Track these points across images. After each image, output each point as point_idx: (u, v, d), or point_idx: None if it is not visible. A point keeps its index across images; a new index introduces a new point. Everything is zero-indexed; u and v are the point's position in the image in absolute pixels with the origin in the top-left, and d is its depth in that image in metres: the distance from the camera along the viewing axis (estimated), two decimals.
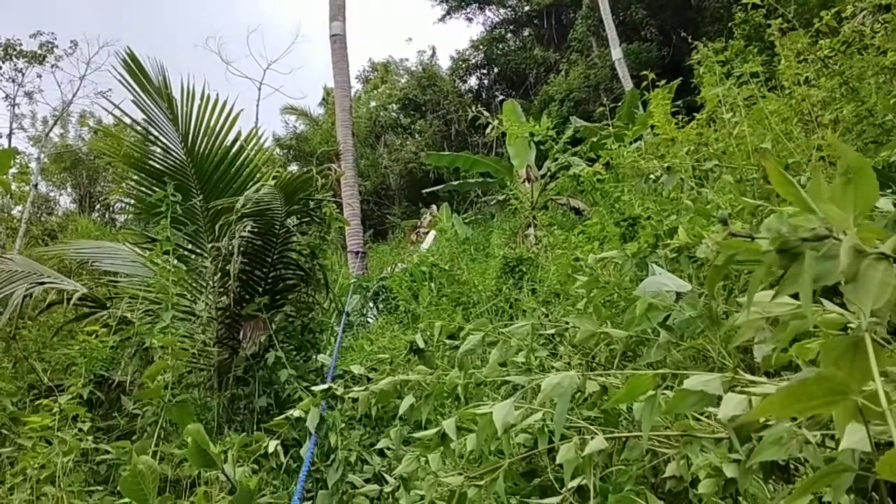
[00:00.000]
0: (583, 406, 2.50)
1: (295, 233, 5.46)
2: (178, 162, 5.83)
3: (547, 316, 5.09)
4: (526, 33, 31.60)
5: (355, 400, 2.67)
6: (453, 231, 13.55)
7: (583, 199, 11.90)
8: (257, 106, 30.51)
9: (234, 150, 5.83)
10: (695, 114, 6.63)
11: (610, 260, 4.28)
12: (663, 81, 7.26)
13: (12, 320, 4.79)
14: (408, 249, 17.63)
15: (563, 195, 12.70)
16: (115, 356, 4.56)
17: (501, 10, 32.11)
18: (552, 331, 2.44)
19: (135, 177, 6.03)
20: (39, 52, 22.24)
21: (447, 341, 2.73)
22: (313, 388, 2.89)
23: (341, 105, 15.23)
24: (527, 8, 31.20)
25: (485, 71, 31.92)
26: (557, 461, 1.67)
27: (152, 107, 5.58)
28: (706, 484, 1.62)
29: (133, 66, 5.35)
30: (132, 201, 6.44)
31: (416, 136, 30.25)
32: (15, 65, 22.09)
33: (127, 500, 2.46)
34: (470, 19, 33.11)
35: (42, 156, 25.80)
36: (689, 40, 7.51)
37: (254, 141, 6.02)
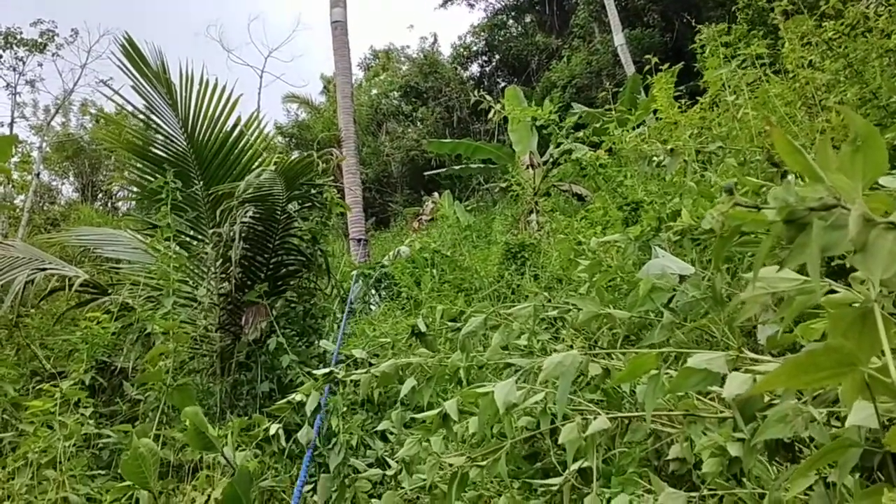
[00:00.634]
0: (585, 389, 2.49)
1: (296, 218, 5.44)
2: (178, 147, 5.81)
3: (549, 301, 5.06)
4: (528, 19, 31.44)
5: (357, 383, 2.66)
6: (455, 218, 13.54)
7: (585, 185, 11.87)
8: (259, 94, 30.48)
9: (234, 135, 5.81)
10: (698, 97, 6.60)
11: (613, 244, 4.27)
12: (666, 65, 7.23)
13: (14, 307, 4.79)
14: (410, 237, 17.62)
15: (565, 181, 12.65)
16: (117, 342, 4.55)
17: None
18: (555, 313, 2.41)
19: (136, 163, 6.01)
20: (40, 40, 22.20)
21: (449, 324, 2.70)
22: (315, 372, 2.88)
23: (343, 92, 15.18)
24: None
25: (486, 58, 31.77)
26: (560, 441, 1.66)
27: (151, 92, 5.56)
28: (710, 463, 1.60)
29: (131, 52, 5.32)
30: (134, 189, 6.42)
31: (418, 123, 30.16)
32: (15, 53, 22.07)
33: (128, 482, 2.46)
34: (472, 5, 32.96)
35: (44, 145, 25.78)
36: (693, 24, 7.45)
37: (254, 126, 6.00)
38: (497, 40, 30.40)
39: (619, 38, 18.89)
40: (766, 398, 1.53)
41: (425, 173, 22.05)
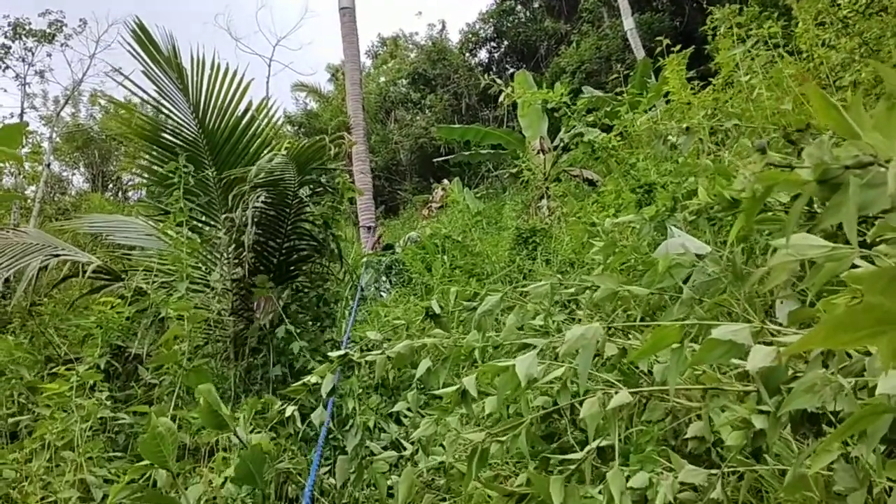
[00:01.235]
0: (602, 370, 2.48)
1: (308, 203, 5.43)
2: (189, 133, 5.80)
3: (562, 284, 5.04)
4: (536, 5, 31.22)
5: (372, 365, 2.65)
6: (465, 204, 13.51)
7: (596, 170, 11.81)
8: (267, 82, 30.38)
9: (245, 120, 5.79)
10: (710, 80, 6.55)
11: (627, 225, 4.25)
12: (678, 47, 7.18)
13: (28, 293, 4.80)
14: (420, 224, 17.60)
15: (576, 166, 12.59)
16: (131, 327, 4.57)
17: None
18: (571, 290, 2.39)
19: (147, 149, 6.01)
20: (49, 31, 22.18)
21: (464, 303, 2.69)
22: (330, 354, 2.88)
23: (351, 79, 15.14)
24: None
25: (495, 44, 31.60)
26: (581, 416, 1.65)
27: (162, 77, 5.54)
28: (735, 436, 1.59)
29: (142, 36, 5.30)
30: (145, 175, 6.43)
31: (427, 110, 30.07)
32: (24, 44, 22.05)
33: (146, 462, 2.46)
34: None
35: (54, 135, 25.83)
36: (704, 6, 7.40)
37: (265, 112, 5.98)
38: (506, 26, 30.23)
39: (628, 23, 18.75)
40: (791, 371, 1.52)
41: (434, 160, 22.01)
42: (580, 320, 3.40)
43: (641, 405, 2.42)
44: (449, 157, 19.52)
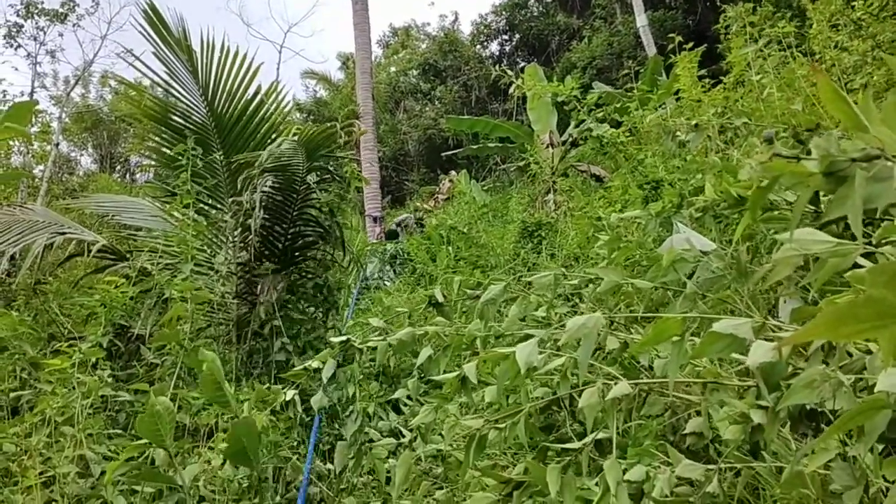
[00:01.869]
0: (603, 363, 2.48)
1: (315, 189, 5.44)
2: (197, 115, 5.80)
3: (565, 276, 5.03)
4: None
5: (373, 351, 2.66)
6: (471, 196, 13.50)
7: (604, 166, 11.78)
8: (278, 69, 30.34)
9: (254, 103, 5.79)
10: (721, 78, 6.53)
11: (632, 221, 4.24)
12: (690, 44, 7.14)
13: (33, 270, 4.82)
14: (413, 207, 17.65)
15: (583, 162, 12.56)
16: (134, 307, 4.58)
17: None
18: (574, 281, 2.39)
19: (155, 131, 6.02)
20: (61, 10, 22.14)
21: (467, 291, 2.69)
22: (331, 339, 2.88)
23: (362, 67, 15.13)
24: None
25: (506, 37, 31.50)
26: (580, 406, 1.65)
27: (172, 59, 5.54)
28: (732, 430, 1.59)
29: (153, 17, 5.31)
30: (153, 157, 6.43)
31: (436, 102, 30.01)
32: (36, 23, 22.02)
33: (143, 441, 2.47)
34: None
35: (63, 115, 25.84)
36: (717, 5, 7.36)
37: (274, 96, 5.97)
38: (518, 19, 30.12)
39: (641, 20, 18.66)
40: (791, 368, 1.52)
41: (442, 153, 21.98)
42: (583, 313, 3.41)
43: (641, 399, 2.42)
44: (457, 149, 19.50)
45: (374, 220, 14.32)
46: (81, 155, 32.59)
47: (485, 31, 31.20)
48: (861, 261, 1.26)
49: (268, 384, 3.73)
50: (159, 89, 6.11)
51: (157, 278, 4.41)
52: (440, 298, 2.99)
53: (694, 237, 2.22)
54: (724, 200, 2.91)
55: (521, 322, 2.65)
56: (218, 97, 5.67)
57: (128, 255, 5.41)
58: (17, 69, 36.67)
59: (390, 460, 2.69)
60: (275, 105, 6.08)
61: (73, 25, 22.57)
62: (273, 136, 5.86)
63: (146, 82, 6.28)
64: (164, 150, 6.00)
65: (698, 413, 1.94)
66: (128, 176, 29.12)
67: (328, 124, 5.23)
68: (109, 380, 3.41)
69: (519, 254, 7.58)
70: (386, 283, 9.92)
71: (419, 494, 2.61)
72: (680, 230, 2.35)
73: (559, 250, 7.23)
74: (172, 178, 5.49)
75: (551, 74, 17.66)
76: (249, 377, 4.52)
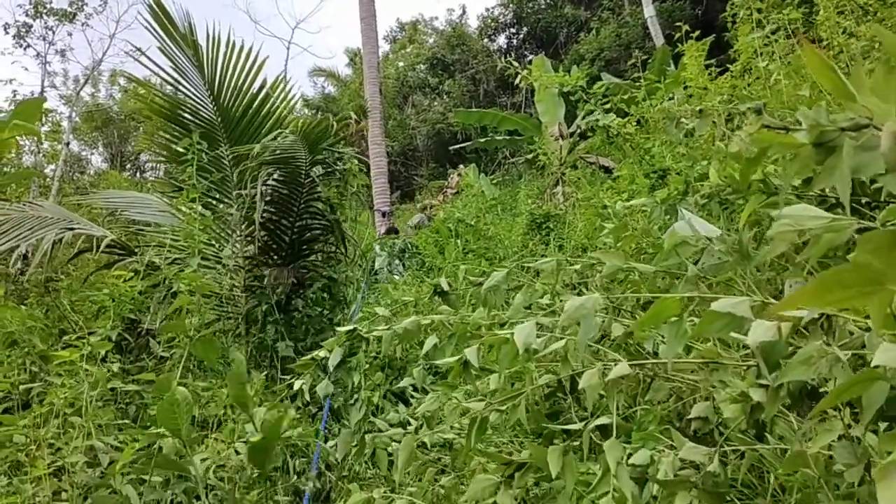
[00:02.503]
0: (609, 349, 2.48)
1: (319, 183, 5.45)
2: (204, 110, 5.82)
3: (568, 261, 5.03)
4: None
5: (379, 340, 2.67)
6: (480, 190, 13.49)
7: (613, 157, 11.75)
8: (286, 65, 30.39)
9: (260, 97, 5.81)
10: (728, 67, 6.49)
11: (638, 209, 4.24)
12: (696, 33, 7.10)
13: (43, 265, 4.85)
14: (425, 203, 17.66)
15: (592, 153, 12.53)
16: (143, 301, 4.61)
17: None
18: (577, 266, 2.39)
19: (163, 126, 6.04)
20: (70, 9, 22.21)
21: (472, 278, 2.70)
22: (338, 328, 2.90)
23: (369, 62, 15.12)
24: None
25: (514, 30, 31.41)
26: (580, 387, 1.65)
27: (178, 54, 5.56)
28: (732, 409, 1.59)
29: (159, 12, 5.32)
30: (162, 153, 6.46)
31: (444, 96, 30.00)
32: (45, 23, 22.09)
33: (158, 430, 2.49)
34: None
35: (74, 114, 25.94)
36: None
37: (280, 89, 5.98)
38: (525, 12, 30.04)
39: (648, 11, 18.57)
40: (791, 348, 1.51)
41: (451, 147, 21.98)
42: None
43: (646, 385, 2.42)
44: (466, 143, 19.48)
45: (383, 214, 14.32)
46: (92, 154, 32.76)
47: (492, 24, 31.12)
48: (864, 222, 1.26)
49: (275, 376, 3.76)
50: (168, 87, 6.13)
51: (165, 272, 4.44)
52: (445, 287, 3.00)
53: (698, 223, 2.22)
54: (729, 186, 2.91)
55: (526, 310, 2.65)
56: (224, 91, 5.69)
57: (136, 251, 5.45)
58: (27, 69, 36.80)
59: (394, 444, 2.70)
60: (281, 99, 6.10)
61: (82, 24, 22.64)
62: (279, 129, 5.88)
63: (155, 80, 6.29)
64: (172, 145, 6.02)
65: (705, 399, 1.94)
66: (138, 174, 29.23)
67: (323, 116, 5.25)
68: (119, 373, 3.43)
69: (527, 245, 7.58)
70: (395, 276, 9.94)
71: (426, 481, 2.62)
72: (684, 217, 2.35)
73: (567, 241, 7.23)
74: (179, 173, 5.52)
75: (560, 67, 17.62)
76: (259, 368, 4.55)
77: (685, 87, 6.85)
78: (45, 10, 21.92)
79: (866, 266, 0.79)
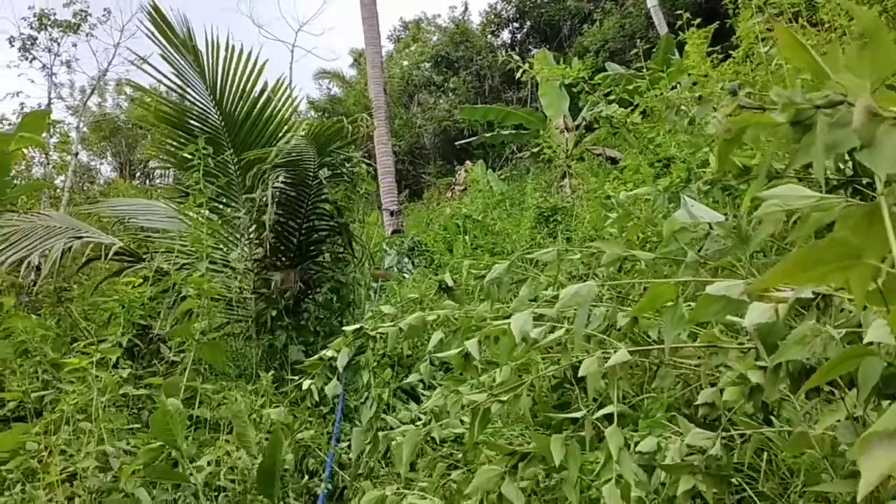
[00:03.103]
0: (613, 338, 2.48)
1: (326, 185, 5.48)
2: (207, 114, 5.85)
3: (581, 259, 5.02)
4: None
5: (385, 337, 2.68)
6: (488, 185, 13.49)
7: (620, 148, 11.74)
8: (290, 68, 30.43)
9: (262, 100, 5.83)
10: (731, 53, 6.48)
11: (642, 198, 4.23)
12: (698, 20, 7.09)
13: (53, 274, 4.89)
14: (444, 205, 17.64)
15: (599, 145, 12.52)
16: (154, 307, 4.64)
17: None
18: (577, 256, 2.40)
19: (169, 134, 6.08)
20: (73, 20, 22.31)
21: (473, 272, 2.71)
22: (345, 328, 2.92)
23: (372, 62, 15.13)
24: None
25: (517, 24, 31.36)
26: (580, 374, 1.66)
27: (180, 60, 5.59)
28: (731, 391, 1.59)
29: (158, 19, 5.35)
30: (169, 160, 6.49)
31: (450, 93, 30.00)
32: (50, 34, 22.21)
33: (157, 444, 2.51)
34: None
35: (81, 125, 26.09)
36: None
37: (282, 91, 6.00)
38: (528, 6, 29.98)
39: (651, 0, 18.52)
40: (789, 329, 1.52)
41: (457, 143, 21.99)
42: None
43: (652, 373, 2.42)
44: (471, 139, 19.49)
45: (391, 213, 14.33)
46: (101, 164, 32.94)
47: (495, 19, 31.09)
48: (852, 201, 1.26)
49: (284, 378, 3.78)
50: (174, 94, 6.16)
51: (174, 278, 4.47)
52: (450, 283, 3.02)
53: (700, 209, 2.22)
54: (730, 171, 2.90)
55: (531, 302, 2.66)
56: (226, 96, 5.71)
57: (145, 257, 5.49)
58: (33, 81, 37.04)
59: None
60: (284, 101, 6.11)
61: (87, 35, 22.75)
62: (283, 131, 5.90)
63: (161, 88, 6.32)
64: (179, 152, 6.05)
65: (711, 385, 1.94)
66: (147, 181, 29.36)
67: (337, 118, 5.27)
68: (130, 378, 3.46)
69: (535, 238, 7.58)
70: (405, 275, 9.96)
71: (436, 475, 2.63)
72: (687, 204, 2.35)
73: (575, 234, 7.23)
74: (187, 179, 5.55)
75: (564, 59, 17.59)
76: (269, 370, 4.58)
77: (688, 75, 6.84)
78: (49, 23, 22.05)
79: (843, 241, 0.80)
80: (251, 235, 5.34)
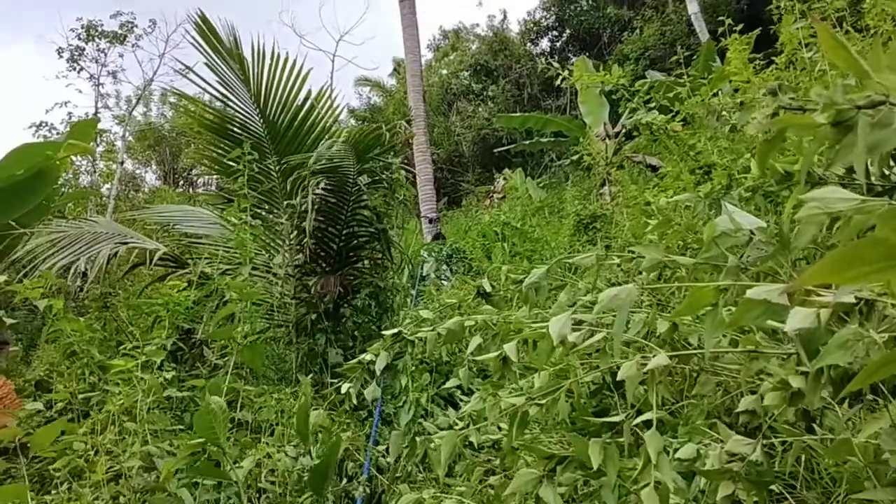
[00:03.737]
0: (653, 342, 2.47)
1: (366, 191, 5.53)
2: (250, 122, 5.94)
3: (619, 266, 4.99)
4: None
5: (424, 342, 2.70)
6: (526, 193, 13.47)
7: (660, 156, 11.65)
8: (331, 77, 30.72)
9: (305, 108, 5.91)
10: (773, 59, 6.40)
11: (682, 205, 4.20)
12: (740, 26, 7.01)
13: (100, 279, 5.00)
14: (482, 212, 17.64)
15: (639, 153, 12.43)
16: (197, 311, 4.73)
17: None
18: (616, 260, 2.39)
19: (212, 140, 6.19)
20: (120, 31, 22.83)
21: (514, 276, 2.72)
22: (384, 332, 2.94)
23: (412, 70, 15.22)
24: None
25: (556, 33, 31.30)
26: (619, 377, 1.66)
27: (224, 68, 5.69)
28: (772, 396, 1.58)
29: (204, 28, 5.46)
30: (213, 167, 6.60)
31: (489, 101, 30.00)
32: (97, 45, 22.75)
33: (199, 440, 2.56)
34: None
35: (127, 134, 26.62)
36: None
37: (325, 100, 6.08)
38: (567, 14, 29.90)
39: (692, 7, 18.35)
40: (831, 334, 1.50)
41: (495, 150, 21.99)
42: None
43: (692, 380, 2.40)
44: (510, 146, 19.47)
45: (430, 221, 14.39)
46: (146, 172, 33.56)
47: (534, 28, 31.06)
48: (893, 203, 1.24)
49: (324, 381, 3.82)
50: (218, 102, 6.27)
51: (217, 282, 4.54)
52: (488, 289, 3.03)
53: (741, 216, 2.20)
54: (772, 177, 2.87)
55: (570, 308, 2.66)
56: (270, 104, 5.80)
57: (189, 262, 5.58)
58: (80, 91, 37.77)
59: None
60: (326, 110, 6.19)
61: (133, 46, 23.25)
62: (325, 138, 5.97)
63: (205, 97, 6.45)
64: (222, 159, 6.15)
65: (752, 392, 1.92)
66: (190, 189, 29.84)
67: (375, 125, 5.32)
68: (173, 380, 3.52)
69: (574, 245, 7.56)
70: (443, 282, 9.97)
71: (474, 480, 2.64)
72: (728, 211, 2.33)
73: (614, 241, 7.19)
74: (230, 185, 5.64)
75: (603, 67, 17.51)
76: (309, 374, 4.63)
77: (730, 82, 6.76)
78: (96, 34, 22.57)
79: (885, 241, 0.79)
80: (292, 241, 5.41)
